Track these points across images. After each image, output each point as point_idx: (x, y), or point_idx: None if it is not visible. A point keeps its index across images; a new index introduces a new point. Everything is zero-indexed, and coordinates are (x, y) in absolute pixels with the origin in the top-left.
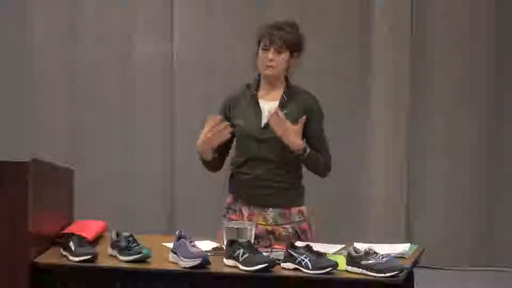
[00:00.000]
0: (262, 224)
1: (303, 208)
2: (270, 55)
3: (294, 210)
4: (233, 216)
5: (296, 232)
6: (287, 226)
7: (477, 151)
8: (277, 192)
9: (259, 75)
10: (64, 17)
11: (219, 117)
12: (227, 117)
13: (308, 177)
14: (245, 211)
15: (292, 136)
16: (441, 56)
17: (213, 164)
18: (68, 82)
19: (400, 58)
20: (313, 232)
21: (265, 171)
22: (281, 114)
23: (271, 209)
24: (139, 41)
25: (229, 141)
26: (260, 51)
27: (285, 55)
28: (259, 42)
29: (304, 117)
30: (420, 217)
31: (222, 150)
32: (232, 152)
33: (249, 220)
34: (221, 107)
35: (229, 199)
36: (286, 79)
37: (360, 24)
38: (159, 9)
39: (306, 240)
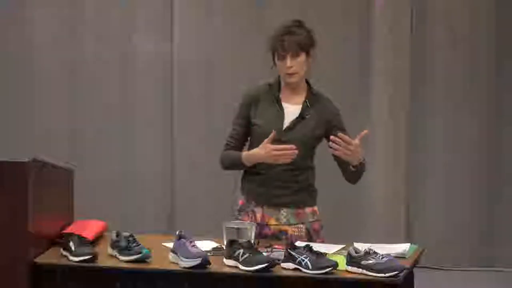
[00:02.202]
0: (274, 225)
1: (316, 208)
2: (288, 62)
3: (308, 210)
4: (245, 218)
5: (308, 232)
6: (300, 225)
7: (477, 151)
8: (293, 192)
9: (279, 76)
10: (64, 17)
11: (289, 146)
12: (247, 115)
13: None
14: (258, 212)
15: (360, 150)
16: (441, 56)
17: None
18: (68, 82)
19: (400, 58)
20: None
21: (282, 172)
22: (345, 137)
23: (285, 209)
24: (139, 41)
25: (246, 139)
26: (277, 61)
27: (302, 58)
28: (273, 53)
29: (366, 131)
30: (420, 217)
31: (239, 146)
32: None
33: (262, 221)
34: (242, 104)
35: (240, 200)
36: (307, 82)
37: (360, 24)
38: (159, 9)
39: (317, 239)
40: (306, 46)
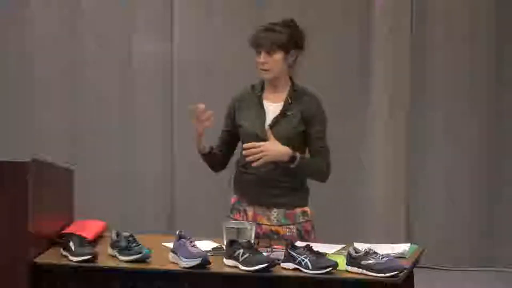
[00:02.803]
0: (266, 224)
1: (307, 208)
2: (261, 58)
3: (299, 210)
4: (237, 216)
5: (300, 232)
6: (291, 226)
7: (477, 151)
8: (282, 193)
9: None
10: (64, 17)
11: (201, 105)
12: (233, 118)
13: None
14: (250, 211)
15: (275, 147)
16: (441, 56)
17: (211, 160)
18: (68, 82)
19: (400, 58)
20: (315, 233)
21: (270, 171)
22: (251, 144)
23: (275, 209)
24: (139, 41)
25: (234, 142)
26: (256, 57)
27: (278, 56)
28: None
29: (268, 128)
30: (420, 217)
31: (226, 149)
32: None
33: (253, 220)
34: (228, 108)
35: (233, 199)
36: (292, 79)
37: (360, 24)
38: (159, 9)
39: (309, 241)
40: (284, 44)
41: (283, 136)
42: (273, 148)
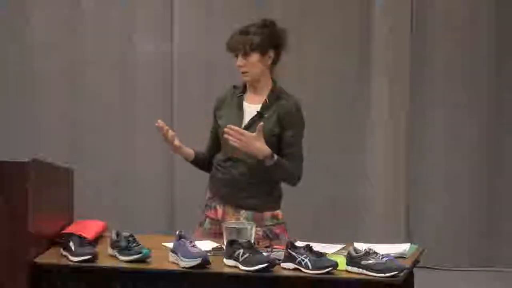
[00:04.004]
0: None
1: (277, 212)
2: (238, 61)
3: (268, 214)
4: (209, 213)
5: (267, 235)
6: (258, 228)
7: (477, 151)
8: (251, 195)
9: None
10: (64, 17)
11: (160, 122)
12: (215, 118)
13: (308, 177)
14: (220, 209)
15: (256, 143)
16: (441, 56)
17: (199, 164)
18: (68, 82)
19: (400, 58)
20: (288, 235)
21: (240, 173)
22: (234, 127)
23: (244, 210)
24: (139, 41)
25: (219, 141)
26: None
27: (254, 57)
28: None
29: (261, 124)
30: (420, 217)
31: (214, 149)
32: None
33: (222, 218)
34: (213, 109)
35: (207, 195)
36: (273, 80)
37: (360, 24)
38: (159, 9)
39: (278, 244)
40: (259, 46)
41: None
42: (253, 143)
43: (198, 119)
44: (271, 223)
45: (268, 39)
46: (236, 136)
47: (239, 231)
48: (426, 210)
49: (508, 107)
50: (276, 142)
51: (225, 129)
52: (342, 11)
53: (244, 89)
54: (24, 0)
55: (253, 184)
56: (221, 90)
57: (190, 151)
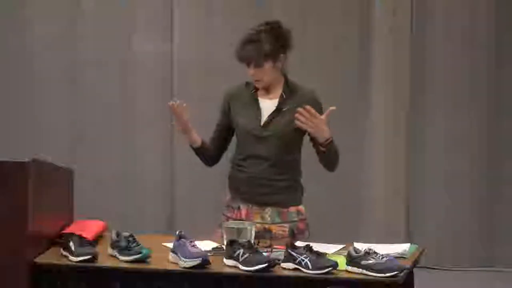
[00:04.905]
0: (259, 223)
1: (301, 207)
2: (251, 71)
3: (292, 209)
4: (231, 214)
5: (292, 231)
6: (284, 225)
7: (477, 151)
8: (275, 191)
9: None
10: (64, 17)
11: (178, 101)
12: (227, 113)
13: (308, 177)
14: (243, 209)
15: (324, 126)
16: (441, 56)
17: (203, 154)
18: (68, 82)
19: (400, 58)
20: (309, 232)
21: (263, 170)
22: (311, 110)
23: (269, 207)
24: (139, 41)
25: (227, 137)
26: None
27: (267, 66)
28: None
29: (333, 108)
30: (420, 217)
31: (219, 144)
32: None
33: (247, 218)
34: (222, 103)
35: (227, 197)
36: (285, 75)
37: (360, 24)
38: (159, 9)
39: (302, 239)
40: (272, 53)
41: (277, 132)
42: (322, 126)
43: (198, 119)
44: (296, 219)
45: (278, 44)
46: (308, 118)
47: (239, 231)
48: (426, 210)
49: (508, 107)
50: (296, 135)
51: (299, 110)
52: (342, 11)
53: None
54: (24, 0)
55: (276, 180)
56: (221, 89)
57: (198, 138)
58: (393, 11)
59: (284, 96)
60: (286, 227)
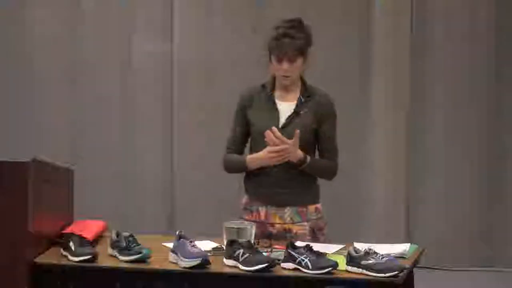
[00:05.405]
0: (279, 223)
1: (319, 205)
2: (285, 66)
3: (311, 207)
4: (249, 217)
5: (313, 230)
6: (305, 223)
7: (477, 151)
8: (294, 191)
9: (273, 75)
10: (64, 17)
11: (278, 135)
12: (244, 118)
13: None
14: (262, 211)
15: (294, 151)
16: (441, 56)
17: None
18: (68, 82)
19: (400, 58)
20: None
21: (281, 171)
22: (278, 134)
23: (288, 207)
24: (139, 41)
25: (246, 140)
26: (274, 62)
27: (299, 62)
28: (270, 52)
29: (298, 131)
30: (420, 217)
31: (241, 148)
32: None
33: (266, 219)
34: (237, 108)
35: (244, 199)
36: (301, 78)
37: (360, 24)
38: (159, 9)
39: (322, 237)
40: (303, 50)
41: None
42: (294, 151)
43: (198, 119)
44: (315, 217)
45: (306, 41)
46: (282, 155)
47: (239, 231)
48: (426, 210)
49: (508, 107)
50: (312, 137)
51: (270, 152)
52: (342, 11)
53: (272, 88)
54: (24, 0)
55: (293, 179)
56: (221, 89)
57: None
58: (393, 11)
59: (302, 99)
60: (307, 226)
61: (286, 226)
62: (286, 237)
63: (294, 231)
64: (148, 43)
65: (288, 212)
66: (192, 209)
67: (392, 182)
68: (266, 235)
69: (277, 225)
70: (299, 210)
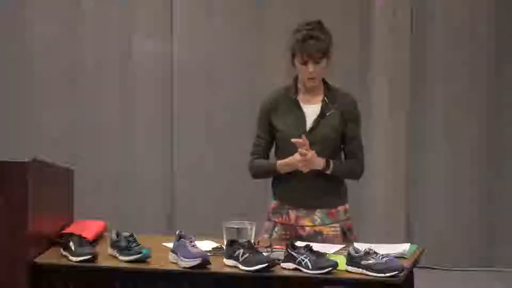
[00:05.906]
0: (309, 226)
1: (347, 206)
2: (311, 68)
3: (341, 208)
4: (280, 219)
5: (343, 230)
6: (335, 225)
7: (477, 151)
8: (323, 193)
9: (296, 78)
10: (64, 17)
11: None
12: (269, 123)
13: None
14: (292, 214)
15: (314, 160)
16: (441, 56)
17: None
18: (68, 82)
19: (400, 58)
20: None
21: (310, 174)
22: (309, 153)
23: (318, 210)
24: (139, 41)
25: (272, 145)
26: (298, 64)
27: (323, 63)
28: (292, 54)
29: (304, 137)
30: (420, 217)
31: (268, 154)
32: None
33: (296, 222)
34: (261, 113)
35: (273, 203)
36: (324, 80)
37: (360, 24)
38: (159, 9)
39: (352, 237)
40: (327, 51)
41: (323, 137)
42: (315, 159)
43: (198, 119)
44: (344, 218)
45: (329, 43)
46: (303, 162)
47: (239, 231)
48: (426, 210)
49: (508, 107)
50: (339, 139)
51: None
52: (342, 11)
53: (296, 90)
54: (24, 0)
55: (321, 182)
56: (221, 89)
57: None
58: (393, 11)
59: (327, 101)
60: (337, 227)
61: (316, 228)
62: (317, 239)
63: (325, 232)
64: (148, 43)
65: (318, 214)
66: (192, 209)
67: (392, 182)
68: (296, 237)
69: (307, 228)
70: (329, 212)
